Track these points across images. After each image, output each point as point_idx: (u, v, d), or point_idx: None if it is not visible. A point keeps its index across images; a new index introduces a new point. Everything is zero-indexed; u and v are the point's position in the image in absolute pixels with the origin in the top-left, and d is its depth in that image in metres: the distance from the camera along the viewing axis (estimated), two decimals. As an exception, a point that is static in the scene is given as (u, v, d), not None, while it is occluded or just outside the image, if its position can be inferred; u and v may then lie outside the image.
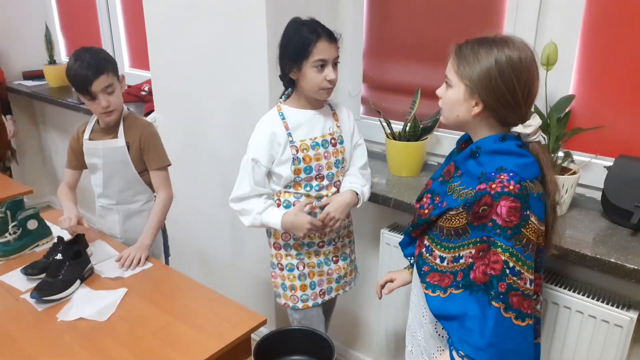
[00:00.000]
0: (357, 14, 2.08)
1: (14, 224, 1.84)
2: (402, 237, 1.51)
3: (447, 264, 1.18)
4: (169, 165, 1.94)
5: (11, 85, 3.63)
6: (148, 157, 1.89)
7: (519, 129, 1.14)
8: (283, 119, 1.60)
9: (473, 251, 1.11)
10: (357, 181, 1.68)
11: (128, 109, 1.93)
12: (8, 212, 1.90)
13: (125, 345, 1.36)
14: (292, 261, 1.70)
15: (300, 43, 1.49)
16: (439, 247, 1.21)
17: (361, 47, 2.12)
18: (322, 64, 1.50)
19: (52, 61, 3.58)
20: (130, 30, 3.24)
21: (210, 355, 1.33)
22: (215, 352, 1.34)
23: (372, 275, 2.13)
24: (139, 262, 1.74)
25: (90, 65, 1.71)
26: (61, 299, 1.55)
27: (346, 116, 1.69)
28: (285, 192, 1.65)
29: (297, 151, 1.59)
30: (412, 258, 1.46)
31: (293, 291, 1.72)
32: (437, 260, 1.21)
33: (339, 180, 1.66)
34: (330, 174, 1.64)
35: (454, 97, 1.15)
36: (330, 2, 2.07)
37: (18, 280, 1.66)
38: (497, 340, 1.05)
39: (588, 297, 1.44)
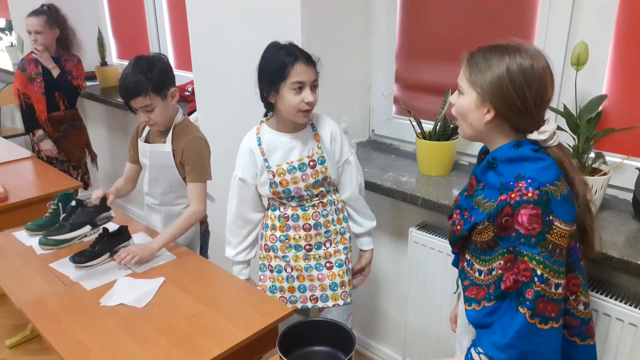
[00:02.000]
0: (390, 15, 2.11)
1: (64, 215, 1.98)
2: (454, 255, 1.49)
3: (484, 276, 1.19)
4: (207, 180, 1.97)
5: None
6: (187, 169, 1.93)
7: (534, 135, 1.14)
8: (259, 145, 1.64)
9: (502, 262, 1.12)
10: (362, 237, 1.82)
11: (184, 114, 1.99)
12: (60, 204, 2.04)
13: (160, 330, 1.46)
14: (280, 263, 1.73)
15: (277, 66, 1.50)
16: (477, 260, 1.22)
17: (394, 48, 2.15)
18: (300, 86, 1.52)
19: (103, 63, 3.77)
20: (175, 33, 3.38)
21: (237, 343, 1.40)
22: (243, 340, 1.42)
23: (399, 273, 2.15)
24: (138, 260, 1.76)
25: (129, 86, 1.77)
26: (90, 265, 1.75)
27: (329, 135, 1.67)
28: (271, 213, 1.72)
29: (274, 175, 1.63)
30: None
31: (282, 292, 1.76)
32: (476, 274, 1.21)
33: (321, 191, 1.67)
34: (309, 192, 1.65)
35: (466, 104, 1.15)
36: (363, 3, 2.10)
37: (67, 268, 1.79)
38: (517, 343, 1.06)
39: (629, 304, 1.40)
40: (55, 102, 3.18)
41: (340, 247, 1.74)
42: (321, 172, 1.64)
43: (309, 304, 1.76)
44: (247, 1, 2.14)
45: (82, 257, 1.78)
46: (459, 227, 1.24)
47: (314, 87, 1.55)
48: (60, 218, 1.98)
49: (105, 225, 1.98)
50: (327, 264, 1.73)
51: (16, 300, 1.63)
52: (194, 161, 1.91)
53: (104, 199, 1.88)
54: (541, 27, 1.71)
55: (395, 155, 2.19)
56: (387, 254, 2.17)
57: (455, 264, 1.47)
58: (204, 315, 1.52)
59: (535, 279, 1.05)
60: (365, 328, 2.40)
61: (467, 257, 1.26)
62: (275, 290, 1.77)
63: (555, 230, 1.06)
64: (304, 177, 1.62)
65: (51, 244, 1.92)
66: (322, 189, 1.68)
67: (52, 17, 3.05)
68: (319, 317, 1.66)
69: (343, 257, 1.74)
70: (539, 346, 1.07)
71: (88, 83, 3.84)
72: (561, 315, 1.09)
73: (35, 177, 2.85)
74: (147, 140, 2.00)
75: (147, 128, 2.01)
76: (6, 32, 4.78)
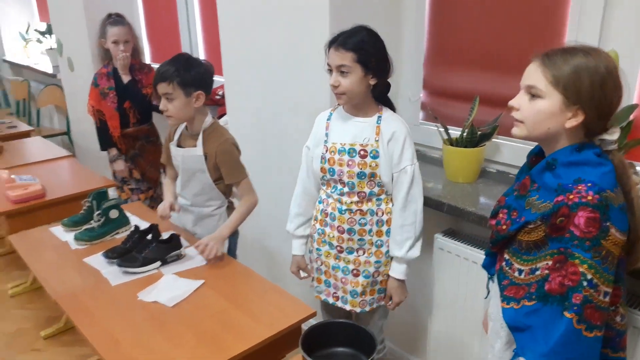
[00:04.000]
0: (418, 21, 2.13)
1: (98, 212, 2.05)
2: (486, 258, 1.46)
3: (525, 276, 1.18)
4: (247, 174, 2.03)
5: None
6: (224, 173, 1.99)
7: (605, 135, 1.11)
8: (328, 119, 1.72)
9: (550, 263, 1.10)
10: (395, 258, 1.72)
11: (214, 117, 2.04)
12: (94, 202, 2.12)
13: (188, 327, 1.50)
14: (314, 254, 1.81)
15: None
16: (518, 260, 1.21)
17: (422, 54, 2.16)
18: (329, 69, 1.60)
19: (138, 66, 3.87)
20: (207, 38, 3.45)
21: (261, 341, 1.44)
22: (266, 339, 1.45)
23: (424, 279, 2.15)
24: (216, 253, 1.86)
25: (160, 71, 1.89)
26: (136, 274, 1.75)
27: (390, 133, 1.63)
28: (317, 205, 1.77)
29: (327, 151, 1.68)
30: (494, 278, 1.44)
31: (312, 281, 1.84)
32: (516, 273, 1.21)
33: (363, 192, 1.65)
34: (350, 182, 1.64)
35: (547, 108, 1.10)
36: (392, 10, 2.12)
37: (99, 263, 1.86)
38: (562, 350, 1.05)
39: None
40: (127, 115, 3.05)
41: (373, 259, 1.71)
42: (370, 166, 1.62)
43: (330, 300, 1.78)
44: (276, 7, 2.19)
45: (114, 254, 1.84)
46: (504, 227, 1.22)
47: (341, 72, 1.56)
48: (95, 216, 2.06)
49: (136, 223, 2.05)
50: (354, 271, 1.73)
51: (52, 292, 1.70)
52: (229, 164, 1.98)
53: (177, 237, 1.90)
54: (571, 34, 1.69)
55: (421, 162, 2.18)
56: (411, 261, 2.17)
57: (486, 266, 1.44)
58: (230, 313, 1.56)
59: (585, 283, 1.03)
60: (387, 334, 2.39)
61: (506, 256, 1.24)
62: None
63: (610, 238, 1.04)
64: (350, 162, 1.63)
65: (85, 240, 2.00)
66: (366, 189, 1.64)
67: (130, 25, 3.04)
68: (341, 320, 1.68)
69: (372, 269, 1.71)
70: (582, 355, 1.05)
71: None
72: (604, 325, 1.07)
73: (71, 176, 2.97)
74: (179, 144, 2.06)
75: (179, 132, 2.07)
76: (46, 35, 4.95)
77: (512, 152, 1.94)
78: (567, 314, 1.04)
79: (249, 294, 1.69)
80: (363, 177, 1.63)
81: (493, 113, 1.94)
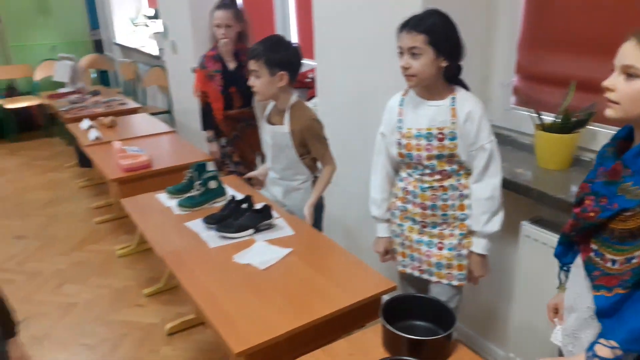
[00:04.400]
0: (514, 3, 2.08)
1: (199, 182, 2.24)
2: (558, 247, 1.44)
3: (619, 266, 1.16)
4: (328, 148, 2.19)
5: (203, 70, 4.22)
6: (311, 148, 2.15)
7: None
8: (400, 105, 1.74)
9: None
10: (474, 232, 1.74)
11: (298, 96, 2.17)
12: (195, 173, 2.31)
13: (277, 289, 1.63)
14: (397, 229, 1.86)
15: None
16: (610, 250, 1.18)
17: (516, 38, 2.12)
18: (400, 51, 1.62)
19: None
20: (301, 23, 3.57)
21: (343, 307, 1.53)
22: (348, 306, 1.54)
23: (508, 267, 2.13)
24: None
25: (252, 48, 2.06)
26: (232, 239, 1.91)
27: (465, 114, 1.64)
28: (398, 183, 1.82)
29: (402, 137, 1.71)
30: (568, 267, 1.42)
31: (396, 254, 1.89)
32: (608, 264, 1.18)
33: (444, 170, 1.69)
34: (431, 164, 1.69)
35: None
36: (488, -6, 2.10)
37: (199, 227, 2.04)
38: None
39: None
40: (232, 98, 3.07)
41: (457, 232, 1.75)
42: (448, 147, 1.65)
43: (416, 272, 1.84)
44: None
45: (213, 220, 2.01)
46: (592, 214, 1.19)
47: (412, 54, 1.59)
48: (196, 185, 2.24)
49: (232, 194, 2.22)
50: (439, 244, 1.77)
51: (158, 249, 1.89)
52: (314, 139, 2.12)
53: (269, 207, 2.04)
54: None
55: (511, 147, 2.17)
56: (494, 247, 2.16)
57: (559, 255, 1.42)
58: (315, 280, 1.67)
59: None
60: (467, 320, 2.41)
61: (594, 247, 1.22)
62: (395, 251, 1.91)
63: None
64: (428, 146, 1.67)
65: (187, 206, 2.19)
66: (447, 167, 1.69)
67: (238, 10, 2.98)
68: (421, 294, 1.72)
69: (456, 242, 1.76)
70: None
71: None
72: None
73: (174, 149, 3.22)
74: (268, 121, 2.20)
75: (269, 109, 2.22)
76: (153, 20, 5.33)
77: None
78: None
79: (333, 265, 1.79)
80: (442, 158, 1.67)
81: (589, 99, 1.88)
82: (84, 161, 4.63)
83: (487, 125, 1.66)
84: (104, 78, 6.67)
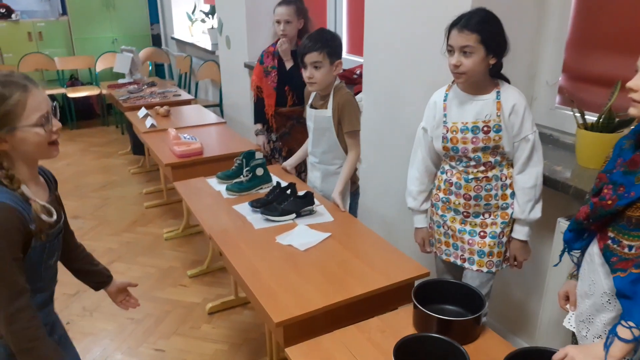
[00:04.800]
0: (565, 3, 2.10)
1: (247, 169, 2.36)
2: (568, 233, 1.49)
3: (636, 251, 1.22)
4: (358, 129, 2.27)
5: (253, 65, 4.35)
6: (344, 121, 2.23)
7: None
8: (444, 100, 1.79)
9: None
10: (515, 224, 1.81)
11: (342, 83, 2.29)
12: (244, 160, 2.44)
13: (316, 268, 1.72)
14: (439, 220, 1.90)
15: None
16: (627, 237, 1.24)
17: (565, 36, 2.13)
18: (450, 50, 1.67)
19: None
20: (351, 20, 3.65)
21: (378, 288, 1.62)
22: (382, 287, 1.62)
23: (541, 263, 2.14)
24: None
25: (311, 41, 2.15)
26: (275, 222, 2.03)
27: (510, 106, 1.70)
28: (440, 175, 1.89)
29: (447, 131, 1.76)
30: (579, 253, 1.48)
31: (439, 244, 1.94)
32: (626, 250, 1.25)
33: (489, 162, 1.75)
34: (476, 156, 1.75)
35: None
36: (537, -6, 2.12)
37: (245, 210, 2.16)
38: None
39: None
40: (285, 96, 3.06)
41: (499, 220, 1.82)
42: (494, 139, 1.72)
43: (458, 261, 1.90)
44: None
45: (259, 204, 2.12)
46: (610, 202, 1.26)
47: (463, 52, 1.64)
48: (244, 172, 2.37)
49: (278, 180, 2.33)
50: (482, 233, 1.84)
51: (208, 228, 2.02)
52: (347, 111, 2.22)
53: (311, 194, 2.15)
54: None
55: (553, 146, 2.18)
56: (529, 242, 2.18)
57: (569, 240, 1.47)
58: (352, 263, 1.75)
59: None
60: (496, 315, 2.43)
61: (611, 234, 1.28)
62: (433, 242, 1.97)
63: None
64: (474, 139, 1.73)
65: (235, 191, 2.31)
66: (491, 159, 1.75)
67: (299, 7, 2.95)
68: (453, 279, 1.78)
69: (498, 230, 1.82)
70: None
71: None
72: None
73: (223, 139, 3.37)
74: (312, 106, 2.32)
75: (312, 96, 2.33)
76: (209, 15, 5.53)
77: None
78: None
79: (369, 250, 1.87)
80: (487, 150, 1.73)
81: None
82: (137, 149, 4.88)
83: (530, 117, 1.72)
84: (159, 70, 6.96)
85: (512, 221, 1.84)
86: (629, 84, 1.23)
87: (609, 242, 1.29)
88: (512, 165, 1.79)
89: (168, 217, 3.97)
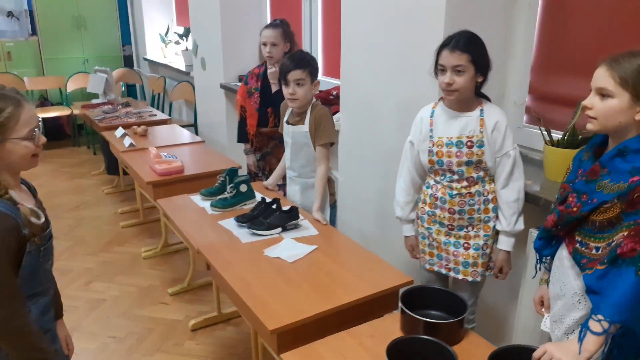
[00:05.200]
0: (529, 30, 2.27)
1: (231, 185, 2.42)
2: (538, 241, 1.61)
3: (601, 251, 1.34)
4: (332, 143, 2.37)
5: (229, 86, 4.45)
6: (317, 133, 2.33)
7: None
8: (431, 116, 1.90)
9: (625, 233, 1.27)
10: (500, 235, 1.92)
11: (318, 101, 2.40)
12: (227, 177, 2.50)
13: (304, 279, 1.79)
14: (424, 232, 2.00)
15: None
16: (593, 239, 1.37)
17: (530, 61, 2.30)
18: (442, 69, 1.78)
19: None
20: (326, 43, 3.79)
21: (364, 296, 1.70)
22: (369, 295, 1.71)
23: (514, 271, 2.26)
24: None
25: (294, 60, 2.26)
26: (262, 235, 2.09)
27: (493, 124, 1.82)
28: (425, 190, 1.99)
29: (433, 145, 1.88)
30: (549, 258, 1.61)
31: (423, 254, 2.04)
32: (593, 251, 1.37)
33: (471, 177, 1.85)
34: (460, 170, 1.85)
35: (617, 105, 1.28)
36: (504, 18, 2.28)
37: (231, 225, 2.21)
38: (632, 305, 1.22)
39: None
40: (267, 117, 3.09)
41: (481, 233, 1.92)
42: (476, 154, 1.82)
43: (443, 270, 1.99)
44: (394, 19, 2.44)
45: (244, 219, 2.19)
46: (575, 209, 1.38)
47: (456, 71, 1.75)
48: (228, 188, 2.43)
49: (262, 196, 2.39)
50: (465, 245, 1.93)
51: (195, 243, 2.06)
52: (323, 124, 2.32)
53: (296, 209, 2.24)
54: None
55: (523, 163, 2.31)
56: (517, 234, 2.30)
57: (539, 248, 1.59)
58: (339, 273, 1.83)
59: None
60: (483, 328, 2.52)
61: (578, 238, 1.41)
62: (421, 252, 2.07)
63: None
64: (458, 153, 1.83)
65: (219, 207, 2.37)
66: (474, 174, 1.85)
67: (285, 30, 2.96)
68: (434, 285, 1.88)
69: (481, 242, 1.92)
70: None
71: (247, 84, 4.39)
72: None
73: (203, 157, 3.42)
74: (287, 122, 2.43)
75: (288, 112, 2.44)
76: (183, 37, 5.60)
77: (613, 157, 2.02)
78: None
79: (355, 260, 1.95)
80: (470, 164, 1.84)
81: (596, 118, 2.04)
82: (112, 168, 4.86)
83: (511, 134, 1.85)
84: (131, 91, 6.95)
85: (495, 233, 1.95)
86: (585, 103, 1.37)
87: (577, 245, 1.42)
88: (493, 181, 1.90)
89: (145, 236, 3.96)
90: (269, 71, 3.03)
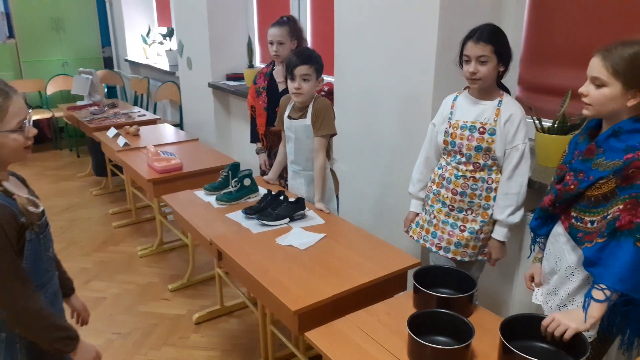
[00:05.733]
0: (517, 24, 2.40)
1: (235, 179, 2.48)
2: (534, 221, 1.71)
3: (596, 225, 1.45)
4: (333, 135, 2.44)
5: (217, 84, 4.49)
6: (317, 125, 2.39)
7: None
8: (454, 100, 2.04)
9: (621, 207, 1.38)
10: (499, 222, 2.01)
11: (319, 95, 2.47)
12: (230, 172, 2.56)
13: (318, 264, 1.88)
14: (428, 208, 2.14)
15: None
16: (588, 214, 1.49)
17: (519, 53, 2.43)
18: (467, 59, 1.90)
19: (250, 65, 4.36)
20: (315, 42, 3.87)
21: (377, 277, 1.79)
22: (381, 276, 1.80)
23: (511, 252, 2.38)
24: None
25: (301, 55, 2.33)
26: (271, 226, 2.17)
27: (507, 115, 1.92)
28: (436, 170, 2.11)
29: (450, 127, 2.00)
30: (543, 238, 1.72)
31: (420, 229, 2.16)
32: (589, 225, 1.48)
33: (478, 162, 1.97)
34: (468, 154, 1.97)
35: (610, 94, 1.40)
36: (493, 14, 2.41)
37: (239, 218, 2.28)
38: (632, 274, 1.33)
39: None
40: (275, 116, 2.90)
41: (479, 219, 2.03)
42: (487, 141, 1.93)
43: (433, 248, 2.11)
44: (387, 17, 2.55)
45: (252, 211, 2.26)
46: (572, 187, 1.50)
47: (480, 61, 1.87)
48: (232, 182, 2.49)
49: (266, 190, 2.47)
50: (462, 227, 2.05)
51: (206, 234, 2.12)
52: (323, 115, 2.39)
53: (302, 200, 2.30)
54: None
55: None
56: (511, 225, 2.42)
57: (535, 227, 1.70)
58: (351, 257, 1.92)
59: None
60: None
61: (574, 214, 1.53)
62: (418, 225, 2.19)
63: None
64: (469, 137, 1.96)
65: (225, 200, 2.43)
66: (481, 160, 1.96)
67: (292, 28, 2.90)
68: (443, 265, 1.98)
69: (477, 227, 2.03)
70: None
71: (235, 83, 4.46)
72: None
73: (197, 154, 3.46)
74: (289, 117, 2.49)
75: (289, 108, 2.50)
76: (167, 37, 5.60)
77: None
78: (638, 244, 1.33)
79: (364, 245, 2.04)
80: (479, 150, 1.95)
81: (582, 106, 2.17)
82: (100, 170, 4.85)
83: (524, 129, 1.94)
84: (111, 93, 6.91)
85: (492, 222, 2.05)
86: (581, 90, 1.49)
87: (573, 220, 1.53)
88: (501, 172, 1.99)
89: (138, 235, 3.98)
90: (275, 70, 3.02)
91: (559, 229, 1.61)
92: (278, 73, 2.99)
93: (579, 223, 1.52)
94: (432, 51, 2.34)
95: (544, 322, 1.42)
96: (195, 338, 2.74)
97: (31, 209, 1.36)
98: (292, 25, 2.89)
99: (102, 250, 3.75)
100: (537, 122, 2.23)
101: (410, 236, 2.23)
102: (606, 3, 2.12)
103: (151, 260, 3.60)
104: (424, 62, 2.40)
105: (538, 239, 1.76)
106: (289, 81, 2.38)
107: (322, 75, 2.41)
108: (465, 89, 2.04)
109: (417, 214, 2.21)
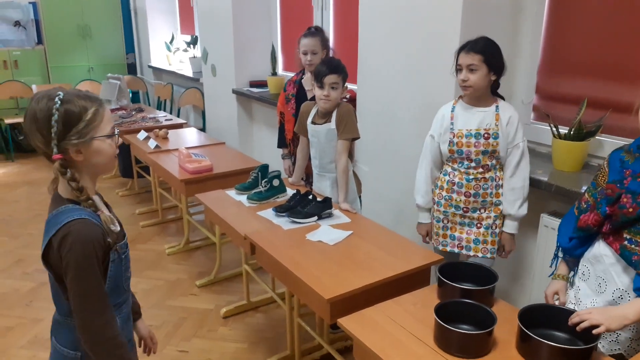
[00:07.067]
0: (535, 34, 2.53)
1: (265, 180, 2.63)
2: (568, 241, 1.66)
3: None
4: (356, 139, 2.58)
5: (241, 91, 4.66)
6: (340, 129, 2.53)
7: None
8: (452, 111, 2.16)
9: None
10: (505, 219, 2.16)
11: (344, 100, 2.62)
12: (259, 173, 2.70)
13: (346, 257, 2.01)
14: (440, 215, 2.26)
15: None
16: None
17: (537, 63, 2.55)
18: (459, 68, 2.06)
19: (274, 73, 4.52)
20: (337, 51, 4.00)
21: (402, 272, 1.91)
22: (406, 271, 1.92)
23: (526, 256, 2.51)
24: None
25: (330, 65, 2.48)
26: (301, 223, 2.31)
27: (507, 118, 2.08)
28: (442, 177, 2.22)
29: (454, 136, 2.13)
30: (572, 258, 1.68)
31: (437, 237, 2.29)
32: None
33: (486, 164, 2.11)
34: (477, 159, 2.11)
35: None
36: (512, 24, 2.54)
37: (270, 216, 2.42)
38: None
39: None
40: None
41: (492, 214, 2.18)
42: (492, 145, 2.08)
43: (456, 250, 2.25)
44: (409, 29, 2.69)
45: (282, 209, 2.40)
46: (631, 210, 1.45)
47: (470, 70, 2.02)
48: (262, 182, 2.63)
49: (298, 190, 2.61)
50: (477, 224, 2.20)
51: (241, 230, 2.26)
52: (345, 121, 2.53)
53: (329, 199, 2.44)
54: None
55: (531, 155, 2.53)
56: (518, 237, 2.52)
57: (570, 248, 1.65)
58: (377, 253, 2.05)
59: None
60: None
61: (627, 236, 1.48)
62: (434, 234, 2.31)
63: None
64: (476, 144, 2.10)
65: (255, 200, 2.58)
66: (488, 162, 2.11)
67: (323, 38, 3.01)
68: (466, 261, 2.10)
69: (491, 222, 2.19)
70: None
71: (258, 90, 4.61)
72: None
73: (226, 157, 3.62)
74: (313, 122, 2.62)
75: (313, 113, 2.63)
76: (191, 45, 5.80)
77: (614, 148, 2.27)
78: None
79: (389, 242, 2.17)
80: (486, 153, 2.10)
81: (597, 114, 2.29)
82: (126, 171, 5.03)
83: (521, 128, 2.12)
84: (134, 98, 7.12)
85: (503, 216, 2.19)
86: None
87: (626, 242, 1.48)
88: (503, 169, 2.15)
89: (165, 234, 4.14)
90: (304, 78, 3.11)
91: (604, 250, 1.56)
92: (307, 81, 3.07)
93: (633, 245, 1.46)
94: (453, 62, 2.46)
95: (573, 320, 1.42)
96: (224, 331, 2.88)
97: (112, 227, 1.34)
98: (322, 36, 3.01)
99: (131, 248, 3.79)
100: (554, 128, 2.35)
101: (432, 244, 2.35)
102: (622, 13, 2.24)
103: (179, 257, 3.75)
104: (445, 73, 2.52)
105: (567, 257, 1.71)
106: (316, 88, 2.52)
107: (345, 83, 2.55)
108: (460, 98, 2.18)
109: (431, 224, 2.34)
